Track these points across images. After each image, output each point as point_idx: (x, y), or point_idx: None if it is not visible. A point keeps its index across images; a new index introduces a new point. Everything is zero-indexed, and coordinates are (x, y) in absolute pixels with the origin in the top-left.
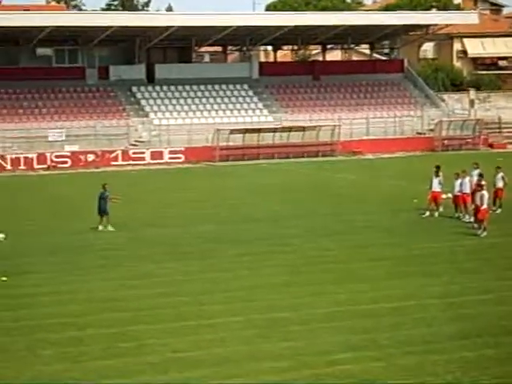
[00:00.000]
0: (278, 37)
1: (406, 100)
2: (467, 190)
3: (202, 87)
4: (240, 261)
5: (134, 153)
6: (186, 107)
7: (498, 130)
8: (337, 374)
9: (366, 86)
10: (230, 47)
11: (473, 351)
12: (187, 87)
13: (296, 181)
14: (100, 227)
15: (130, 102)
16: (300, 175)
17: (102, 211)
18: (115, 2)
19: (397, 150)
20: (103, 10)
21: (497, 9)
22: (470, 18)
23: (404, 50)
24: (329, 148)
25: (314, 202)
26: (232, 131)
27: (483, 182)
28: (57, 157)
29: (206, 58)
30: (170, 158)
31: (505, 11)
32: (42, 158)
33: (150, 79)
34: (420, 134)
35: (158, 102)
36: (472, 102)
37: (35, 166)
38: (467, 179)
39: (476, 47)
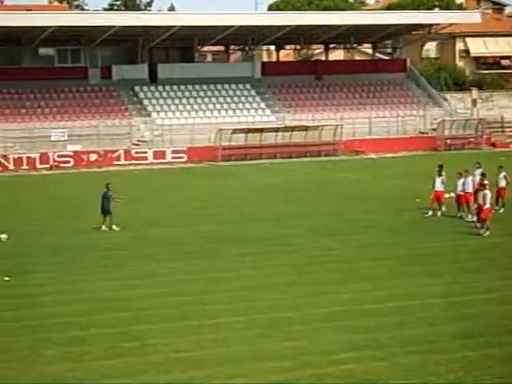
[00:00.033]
0: (281, 36)
1: (408, 99)
2: (470, 189)
3: (205, 87)
4: (242, 260)
5: (136, 152)
6: (188, 107)
7: (500, 130)
8: (339, 373)
9: (368, 86)
10: (232, 47)
11: (475, 351)
12: (190, 87)
13: (298, 180)
14: (103, 227)
15: (132, 102)
16: (302, 175)
17: (105, 211)
18: (118, 2)
19: (399, 150)
20: (106, 9)
21: (499, 8)
22: (472, 17)
23: (406, 49)
24: (331, 147)
25: (316, 201)
26: (234, 131)
27: (486, 182)
28: (59, 156)
29: (209, 58)
30: (173, 158)
31: (507, 10)
32: (44, 158)
33: (153, 79)
34: (422, 133)
35: (161, 101)
36: (474, 102)
37: (38, 165)
38: (470, 178)
39: (478, 46)
